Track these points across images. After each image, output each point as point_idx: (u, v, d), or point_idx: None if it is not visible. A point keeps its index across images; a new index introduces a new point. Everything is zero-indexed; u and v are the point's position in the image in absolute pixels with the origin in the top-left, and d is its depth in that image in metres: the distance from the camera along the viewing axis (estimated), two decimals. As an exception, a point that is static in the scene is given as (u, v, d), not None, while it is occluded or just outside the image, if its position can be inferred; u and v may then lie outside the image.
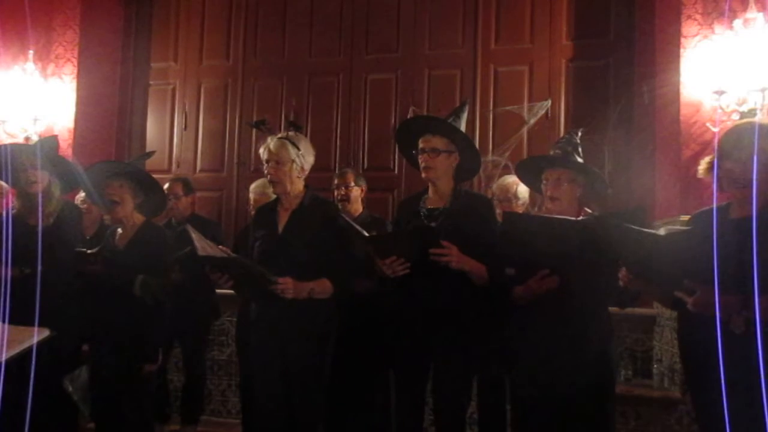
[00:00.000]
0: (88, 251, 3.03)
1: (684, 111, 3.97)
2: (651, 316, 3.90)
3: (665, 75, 4.10)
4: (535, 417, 2.51)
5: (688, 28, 3.99)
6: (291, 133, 2.82)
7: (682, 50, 3.98)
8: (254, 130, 5.04)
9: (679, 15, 4.02)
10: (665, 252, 2.07)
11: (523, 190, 3.54)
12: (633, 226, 2.11)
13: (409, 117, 4.51)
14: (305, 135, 5.02)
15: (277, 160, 2.76)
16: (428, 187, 2.82)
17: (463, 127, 2.79)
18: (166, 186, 4.08)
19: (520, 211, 3.48)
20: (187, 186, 4.15)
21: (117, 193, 3.03)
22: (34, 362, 2.17)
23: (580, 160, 2.62)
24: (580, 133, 2.68)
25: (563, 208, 2.53)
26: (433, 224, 2.68)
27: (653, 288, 2.37)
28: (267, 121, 3.06)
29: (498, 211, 3.14)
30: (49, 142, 3.23)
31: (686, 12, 4.00)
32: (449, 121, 2.75)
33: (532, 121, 4.61)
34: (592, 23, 4.80)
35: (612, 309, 2.59)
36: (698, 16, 3.97)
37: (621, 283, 2.30)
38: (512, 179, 3.59)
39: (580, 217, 2.47)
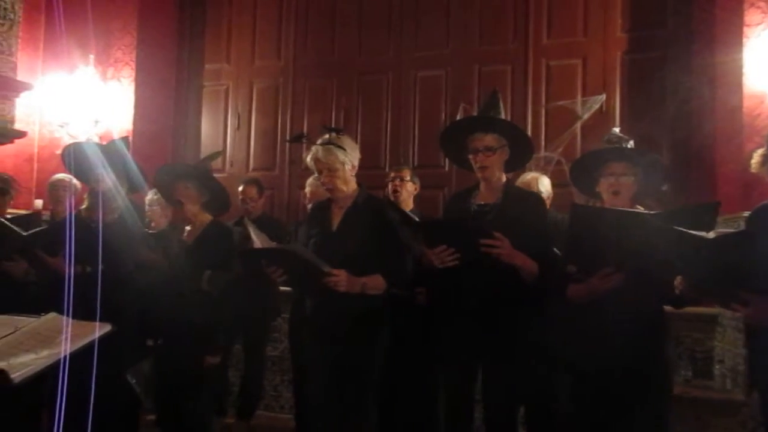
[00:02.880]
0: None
1: (747, 103, 3.85)
2: (712, 315, 3.77)
3: (726, 66, 3.96)
4: (586, 417, 2.46)
5: (752, 16, 3.86)
6: (332, 135, 2.83)
7: (744, 40, 3.86)
8: (304, 129, 5.10)
9: (741, 3, 3.90)
10: (712, 257, 1.90)
11: (546, 183, 3.48)
12: (676, 228, 1.93)
13: (459, 115, 4.47)
14: (356, 133, 5.08)
15: (328, 167, 2.77)
16: (478, 182, 2.80)
17: (503, 116, 2.76)
18: (240, 188, 4.23)
19: (547, 204, 3.40)
20: (260, 187, 4.32)
21: (183, 194, 3.17)
22: (96, 356, 2.23)
23: None
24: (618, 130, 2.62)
25: (623, 204, 2.47)
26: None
27: (708, 298, 2.25)
28: (306, 133, 3.10)
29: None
30: (120, 142, 3.34)
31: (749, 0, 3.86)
32: (494, 116, 2.71)
33: (586, 116, 4.50)
34: (648, 14, 4.67)
35: (668, 308, 2.51)
36: (762, 4, 3.85)
37: (677, 291, 2.19)
38: (531, 175, 3.55)
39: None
